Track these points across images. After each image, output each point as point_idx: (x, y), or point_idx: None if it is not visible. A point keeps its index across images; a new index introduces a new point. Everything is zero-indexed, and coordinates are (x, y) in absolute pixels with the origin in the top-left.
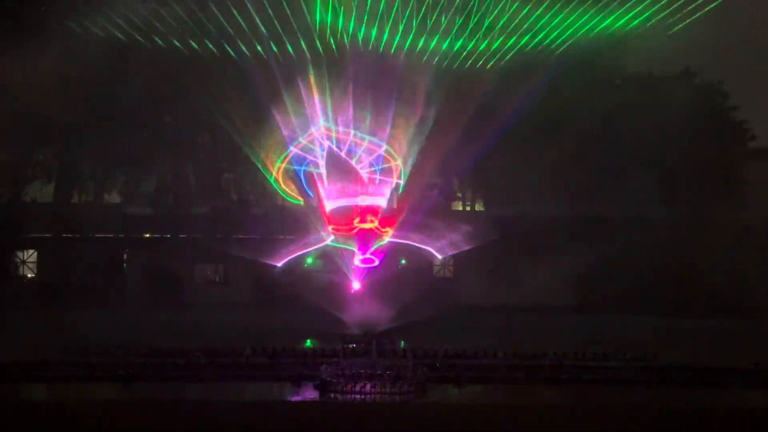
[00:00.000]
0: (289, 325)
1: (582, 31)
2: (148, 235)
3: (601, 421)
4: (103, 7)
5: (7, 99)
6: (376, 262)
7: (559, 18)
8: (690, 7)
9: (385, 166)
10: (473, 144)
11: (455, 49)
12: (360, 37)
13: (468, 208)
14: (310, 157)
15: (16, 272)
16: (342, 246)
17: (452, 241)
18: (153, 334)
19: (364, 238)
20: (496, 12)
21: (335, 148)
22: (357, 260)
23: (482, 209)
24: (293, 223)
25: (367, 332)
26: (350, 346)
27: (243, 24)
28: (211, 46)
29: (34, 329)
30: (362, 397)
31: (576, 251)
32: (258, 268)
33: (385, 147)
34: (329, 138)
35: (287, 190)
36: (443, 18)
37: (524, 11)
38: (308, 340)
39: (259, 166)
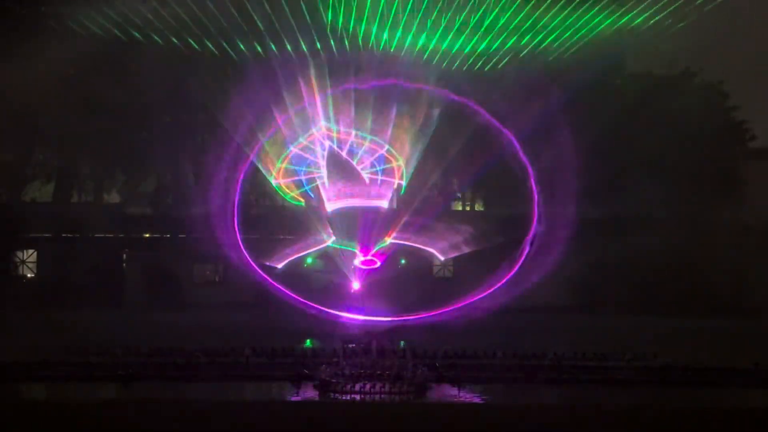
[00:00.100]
0: (289, 325)
1: (582, 32)
2: (147, 235)
3: (601, 421)
4: (103, 6)
5: (6, 99)
6: (378, 264)
7: (559, 19)
8: (690, 7)
9: (387, 166)
10: (475, 144)
11: (454, 49)
12: (360, 35)
13: (468, 208)
14: (311, 158)
15: (16, 272)
16: (343, 247)
17: (455, 243)
18: (153, 334)
19: (366, 240)
20: (495, 12)
21: (336, 149)
22: (358, 262)
23: (482, 209)
24: (294, 224)
25: (366, 332)
26: (350, 346)
27: (242, 23)
28: (210, 45)
29: (34, 329)
30: (362, 397)
31: (576, 251)
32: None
33: (387, 147)
34: (330, 138)
35: (288, 191)
36: (443, 17)
37: (524, 10)
38: (308, 340)
39: (260, 166)
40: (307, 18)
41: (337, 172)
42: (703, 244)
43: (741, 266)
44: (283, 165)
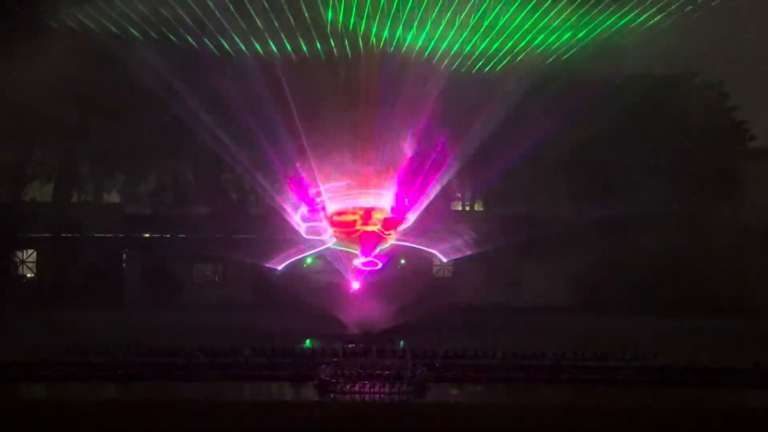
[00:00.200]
0: (289, 325)
1: (582, 33)
2: (147, 235)
3: (601, 421)
4: (102, 5)
5: (6, 99)
6: (379, 266)
7: (559, 20)
8: (690, 8)
9: (388, 166)
10: (477, 145)
11: (453, 50)
12: (359, 34)
13: (468, 208)
14: (312, 158)
15: (16, 272)
16: (344, 249)
17: (458, 244)
18: (153, 334)
19: (368, 241)
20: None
21: (337, 149)
22: (359, 263)
23: (481, 209)
24: (294, 224)
25: (366, 332)
26: (349, 346)
27: (242, 22)
28: (210, 44)
29: (34, 329)
30: (362, 397)
31: (576, 251)
32: (257, 268)
33: (389, 147)
34: (331, 138)
35: (288, 191)
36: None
37: (523, 12)
38: (307, 340)
39: (259, 166)
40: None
41: (337, 172)
42: (703, 244)
43: (741, 266)
44: (283, 165)
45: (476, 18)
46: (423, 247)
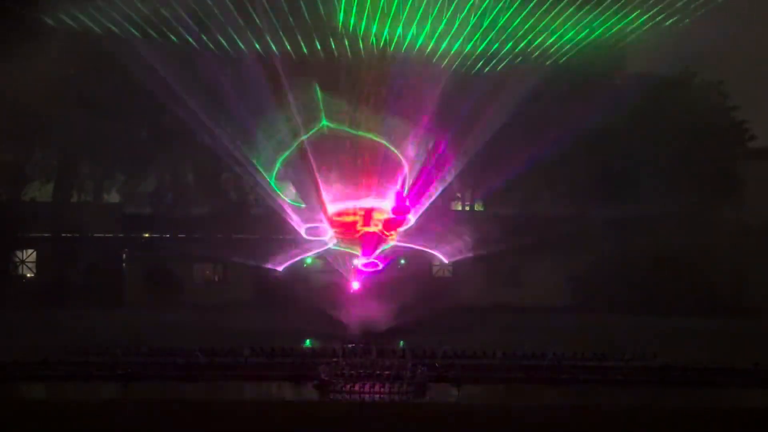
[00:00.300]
0: (289, 325)
1: (582, 33)
2: (147, 235)
3: (601, 421)
4: (101, 5)
5: (6, 99)
6: (380, 266)
7: (559, 21)
8: (690, 8)
9: (390, 167)
10: (478, 145)
11: (453, 49)
12: (360, 33)
13: (467, 208)
14: (312, 158)
15: (16, 272)
16: (345, 250)
17: (459, 245)
18: (152, 334)
19: (369, 242)
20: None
21: (338, 149)
22: (360, 264)
23: (481, 209)
24: (293, 225)
25: (366, 332)
26: (349, 346)
27: (242, 21)
28: (209, 43)
29: (34, 329)
30: (361, 397)
31: (576, 251)
32: (257, 268)
33: (390, 147)
34: (332, 138)
35: (288, 192)
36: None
37: (523, 13)
38: (307, 340)
39: (259, 166)
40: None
41: (338, 172)
42: (703, 244)
43: (741, 266)
44: (284, 165)
45: (476, 17)
46: (424, 248)
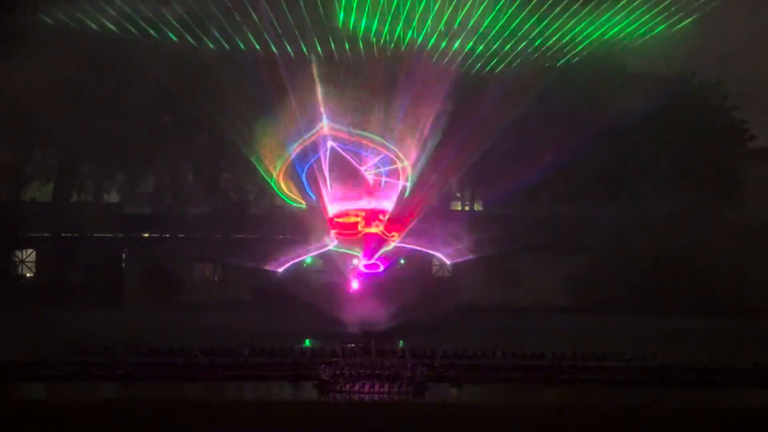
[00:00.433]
0: (288, 325)
1: (583, 35)
2: (147, 235)
3: (601, 421)
4: (100, 4)
5: (6, 99)
6: (381, 268)
7: (560, 22)
8: (690, 8)
9: (392, 167)
10: (480, 146)
11: (454, 48)
12: (360, 32)
13: (467, 208)
14: (313, 159)
15: (15, 272)
16: (346, 251)
17: (460, 246)
18: (152, 334)
19: (370, 244)
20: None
21: (339, 149)
22: (361, 265)
23: (481, 209)
24: (294, 225)
25: (366, 332)
26: (349, 346)
27: (242, 20)
28: (209, 42)
29: (34, 329)
30: (361, 396)
31: (576, 251)
32: (257, 268)
33: (392, 148)
34: (333, 138)
35: (288, 192)
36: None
37: (522, 14)
38: (307, 340)
39: (259, 166)
40: (305, 14)
41: (339, 173)
42: (703, 244)
43: (741, 266)
44: (284, 166)
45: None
46: (426, 249)
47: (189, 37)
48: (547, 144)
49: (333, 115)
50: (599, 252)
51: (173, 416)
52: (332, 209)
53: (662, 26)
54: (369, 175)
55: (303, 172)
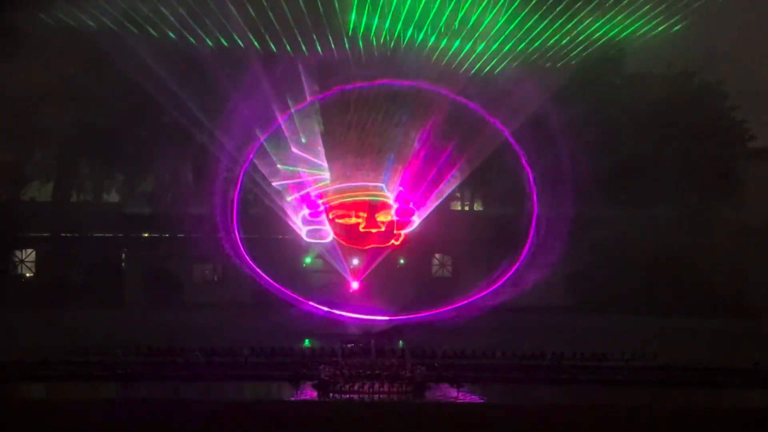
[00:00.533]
0: (288, 325)
1: (584, 35)
2: (146, 235)
3: (601, 421)
4: (100, 4)
5: (6, 99)
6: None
7: (559, 23)
8: (690, 9)
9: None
10: (480, 145)
11: (452, 49)
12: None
13: (466, 208)
14: (314, 158)
15: (15, 272)
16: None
17: (461, 247)
18: (152, 334)
19: (371, 244)
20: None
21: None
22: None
23: (481, 209)
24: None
25: (366, 332)
26: (349, 345)
27: (241, 20)
28: (209, 42)
29: (34, 329)
30: (361, 397)
31: (576, 251)
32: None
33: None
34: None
35: (289, 194)
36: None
37: (522, 14)
38: (307, 340)
39: (260, 167)
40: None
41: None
42: (703, 244)
43: (741, 266)
44: (285, 166)
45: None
46: (426, 249)
47: (188, 36)
48: (546, 144)
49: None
50: (599, 252)
51: (173, 416)
52: (333, 209)
53: (662, 27)
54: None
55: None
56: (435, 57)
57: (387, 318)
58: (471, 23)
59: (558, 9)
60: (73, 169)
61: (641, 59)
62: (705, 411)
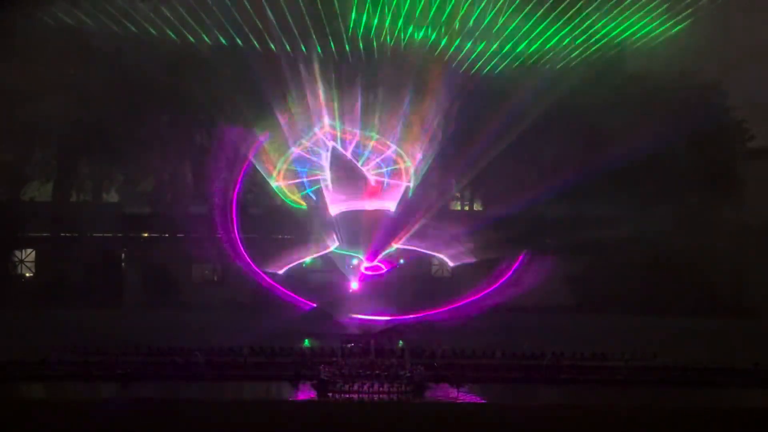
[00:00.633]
0: (288, 325)
1: (584, 36)
2: (146, 235)
3: (601, 421)
4: (101, 4)
5: (6, 99)
6: (384, 270)
7: (560, 23)
8: (691, 9)
9: (395, 167)
10: (484, 145)
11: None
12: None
13: (466, 208)
14: (314, 159)
15: (15, 271)
16: (348, 253)
17: (463, 248)
18: (151, 334)
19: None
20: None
21: (340, 149)
22: (363, 268)
23: (480, 209)
24: (295, 226)
25: (365, 332)
26: (348, 345)
27: (241, 18)
28: (207, 38)
29: (33, 328)
30: (361, 396)
31: (576, 251)
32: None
33: (394, 147)
34: (334, 138)
35: (289, 193)
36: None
37: (522, 13)
38: (306, 340)
39: (259, 167)
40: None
41: (341, 173)
42: (703, 244)
43: (741, 266)
44: (285, 166)
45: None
46: (429, 251)
47: (188, 35)
48: (546, 144)
49: (335, 115)
50: (599, 252)
51: (173, 416)
52: (334, 210)
53: (662, 28)
54: (371, 176)
55: (304, 173)
56: (441, 57)
57: (387, 318)
58: (471, 22)
59: (557, 10)
60: (72, 169)
61: (641, 59)
62: (705, 411)
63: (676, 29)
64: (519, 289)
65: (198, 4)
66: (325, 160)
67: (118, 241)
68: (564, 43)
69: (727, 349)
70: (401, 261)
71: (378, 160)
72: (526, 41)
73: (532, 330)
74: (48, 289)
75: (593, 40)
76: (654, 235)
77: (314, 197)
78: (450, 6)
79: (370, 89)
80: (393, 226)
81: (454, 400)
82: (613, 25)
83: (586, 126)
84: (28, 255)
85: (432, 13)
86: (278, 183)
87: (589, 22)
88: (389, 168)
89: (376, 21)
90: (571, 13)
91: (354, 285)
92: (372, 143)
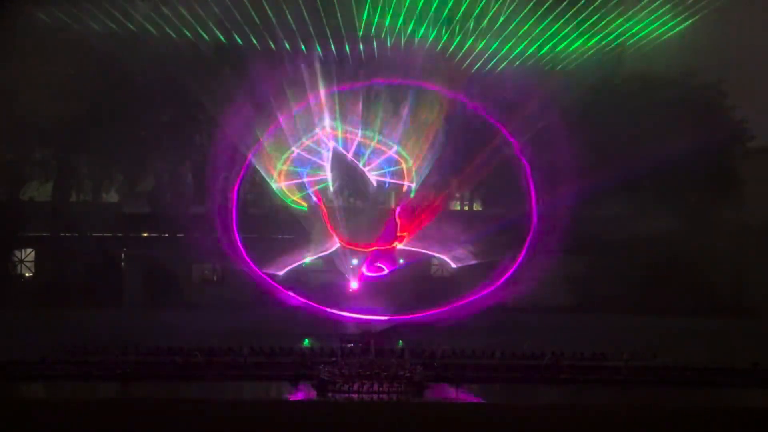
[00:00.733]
0: (288, 325)
1: (584, 37)
2: (145, 234)
3: (601, 421)
4: (102, 4)
5: (5, 99)
6: (386, 271)
7: (559, 24)
8: (691, 9)
9: (396, 168)
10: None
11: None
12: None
13: (466, 208)
14: (315, 159)
15: (15, 271)
16: (349, 253)
17: (469, 250)
18: (151, 334)
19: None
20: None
21: (340, 149)
22: (364, 269)
23: (480, 209)
24: (296, 227)
25: (365, 332)
26: (348, 345)
27: (241, 18)
28: (206, 36)
29: (33, 328)
30: (360, 396)
31: (576, 251)
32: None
33: (396, 148)
34: (335, 138)
35: (289, 194)
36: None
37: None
38: (306, 340)
39: (259, 168)
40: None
41: (342, 175)
42: (703, 244)
43: (741, 266)
44: (285, 167)
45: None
46: (431, 252)
47: (188, 34)
48: (546, 144)
49: (335, 115)
50: (599, 252)
51: (173, 416)
52: (335, 210)
53: (663, 28)
54: (372, 177)
55: (304, 173)
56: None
57: (386, 318)
58: (471, 22)
59: (557, 11)
60: (72, 169)
61: (641, 59)
62: (705, 411)
63: (677, 29)
64: (519, 289)
65: (198, 3)
66: (326, 159)
67: (118, 241)
68: (563, 44)
69: (727, 349)
70: (401, 261)
71: (380, 160)
72: (526, 41)
73: (532, 330)
74: (48, 289)
75: (591, 43)
76: (654, 235)
77: (314, 197)
78: (450, 4)
79: (372, 89)
80: (394, 226)
81: (453, 400)
82: (614, 25)
83: (584, 125)
84: (28, 255)
85: (432, 11)
86: (278, 184)
87: (588, 23)
88: (391, 168)
89: (376, 20)
90: (568, 15)
91: (354, 285)
92: (373, 144)
